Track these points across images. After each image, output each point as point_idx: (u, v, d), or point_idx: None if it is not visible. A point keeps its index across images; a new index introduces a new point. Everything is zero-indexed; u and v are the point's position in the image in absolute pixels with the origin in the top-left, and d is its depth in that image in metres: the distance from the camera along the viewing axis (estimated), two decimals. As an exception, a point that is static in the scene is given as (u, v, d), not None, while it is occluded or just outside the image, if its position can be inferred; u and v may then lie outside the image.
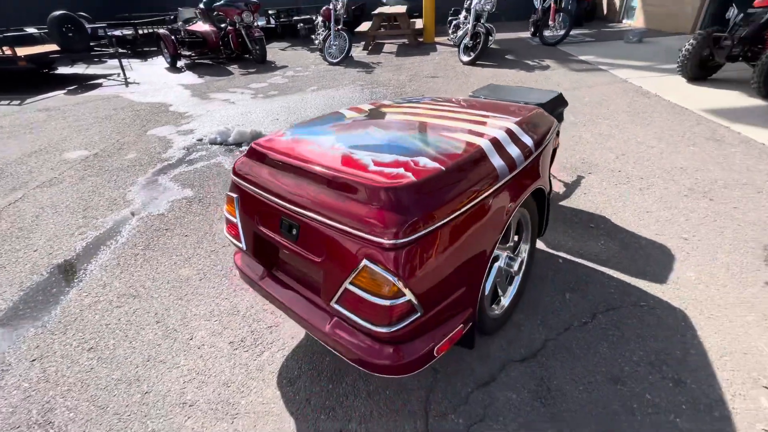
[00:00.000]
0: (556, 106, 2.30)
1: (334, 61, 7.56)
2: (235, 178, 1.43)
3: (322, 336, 1.25)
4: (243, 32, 7.64)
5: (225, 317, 1.89)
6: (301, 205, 1.19)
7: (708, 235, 2.21)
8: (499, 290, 1.68)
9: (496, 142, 1.36)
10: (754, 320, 1.67)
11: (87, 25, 7.22)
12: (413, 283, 1.04)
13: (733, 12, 4.35)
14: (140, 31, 9.66)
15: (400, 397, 1.47)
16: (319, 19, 8.34)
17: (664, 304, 1.78)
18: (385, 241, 1.01)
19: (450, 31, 8.55)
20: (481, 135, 1.39)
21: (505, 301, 1.70)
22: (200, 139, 4.19)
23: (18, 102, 5.94)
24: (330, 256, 1.14)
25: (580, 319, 1.74)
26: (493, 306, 1.66)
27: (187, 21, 8.46)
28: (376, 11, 8.93)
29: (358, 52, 8.58)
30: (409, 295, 1.04)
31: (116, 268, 2.29)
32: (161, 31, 7.95)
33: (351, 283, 1.09)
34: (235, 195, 1.45)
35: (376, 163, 1.18)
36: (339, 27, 7.49)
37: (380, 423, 1.39)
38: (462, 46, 6.95)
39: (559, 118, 2.37)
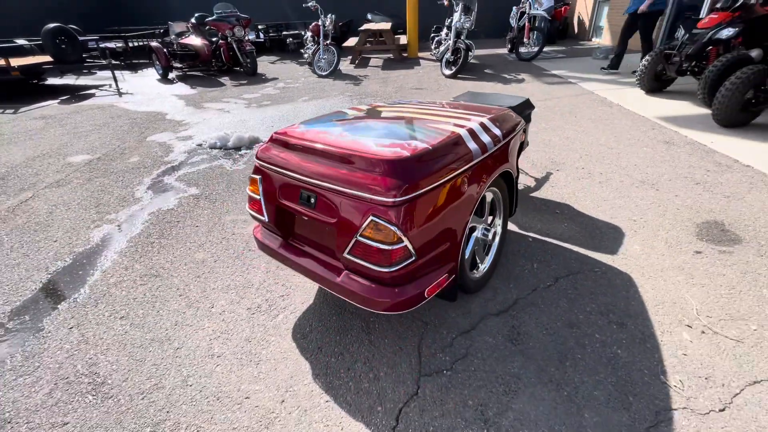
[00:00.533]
0: (524, 108, 2.68)
1: (323, 73, 7.94)
2: (259, 162, 1.73)
3: (334, 287, 1.55)
4: (234, 46, 7.97)
5: (241, 290, 2.15)
6: (318, 178, 1.49)
7: (652, 217, 2.61)
8: (477, 258, 2.01)
9: (471, 131, 1.71)
10: (683, 279, 2.04)
11: (79, 38, 7.42)
12: (408, 232, 1.36)
13: (680, 32, 4.92)
14: (130, 44, 9.87)
15: (397, 343, 1.76)
16: (308, 34, 8.74)
17: (613, 269, 2.14)
18: (388, 200, 1.33)
19: (433, 47, 9.09)
20: (460, 126, 1.73)
21: (483, 267, 2.03)
22: (200, 144, 4.44)
23: (12, 111, 6.06)
24: (343, 217, 1.45)
25: (545, 283, 2.08)
26: (474, 271, 1.99)
27: (179, 35, 8.72)
28: (362, 27, 9.42)
29: (345, 65, 9.00)
30: (405, 242, 1.36)
31: (135, 254, 2.52)
32: (153, 44, 8.20)
33: (361, 235, 1.40)
34: (258, 176, 1.74)
35: (378, 144, 1.50)
36: (327, 42, 7.89)
37: (382, 362, 1.68)
38: (444, 60, 7.44)
39: (527, 119, 2.75)
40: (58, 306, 2.09)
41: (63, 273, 2.36)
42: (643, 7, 5.95)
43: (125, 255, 2.51)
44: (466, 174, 1.59)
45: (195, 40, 8.16)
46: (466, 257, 1.84)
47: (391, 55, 9.72)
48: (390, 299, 1.44)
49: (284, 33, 11.79)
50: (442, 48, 7.84)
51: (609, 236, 2.43)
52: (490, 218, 2.04)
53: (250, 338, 1.84)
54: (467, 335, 1.79)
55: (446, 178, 1.48)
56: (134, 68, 9.71)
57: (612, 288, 2.01)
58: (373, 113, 2.02)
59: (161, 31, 10.00)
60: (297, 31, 11.77)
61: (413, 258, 1.41)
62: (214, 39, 8.24)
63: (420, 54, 9.82)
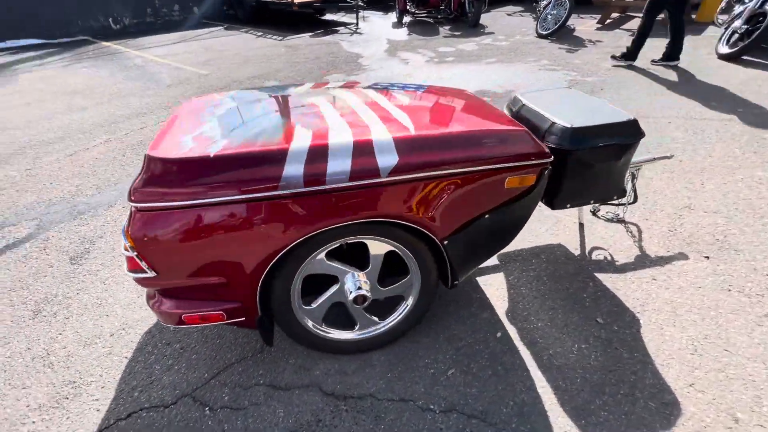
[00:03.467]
0: (611, 133, 1.57)
1: (544, 32, 6.64)
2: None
3: None
4: (464, -7, 7.57)
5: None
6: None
7: None
8: (355, 316, 1.50)
9: (317, 150, 1.17)
10: None
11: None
12: (139, 243, 1.15)
13: None
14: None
15: (214, 353, 1.61)
16: (553, -19, 7.29)
17: None
18: (131, 203, 1.15)
19: (720, 9, 6.04)
20: (337, 136, 1.21)
21: (359, 331, 1.51)
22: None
23: (279, 38, 7.97)
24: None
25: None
26: (330, 330, 1.51)
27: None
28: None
29: (587, 25, 7.19)
30: (131, 251, 1.17)
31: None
32: (397, -13, 8.74)
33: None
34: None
35: (194, 139, 1.26)
36: (564, -8, 6.40)
37: (179, 372, 1.60)
38: (728, 31, 4.87)
39: (618, 155, 1.61)
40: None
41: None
42: None
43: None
44: (265, 203, 1.15)
45: (430, -15, 8.19)
46: (294, 305, 1.39)
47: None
48: (152, 305, 1.32)
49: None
50: (736, 10, 5.05)
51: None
52: (359, 275, 1.43)
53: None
54: (275, 392, 1.45)
55: (217, 200, 1.13)
56: (387, 9, 10.75)
57: None
58: (306, 96, 1.64)
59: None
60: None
61: (150, 274, 1.20)
62: (448, -15, 8.05)
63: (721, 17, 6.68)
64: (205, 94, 1.79)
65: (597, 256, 2.00)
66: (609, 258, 1.98)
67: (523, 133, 1.40)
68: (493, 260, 2.02)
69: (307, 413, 1.38)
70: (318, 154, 1.18)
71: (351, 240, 1.31)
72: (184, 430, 1.35)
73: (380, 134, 1.25)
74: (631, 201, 2.14)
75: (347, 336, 1.52)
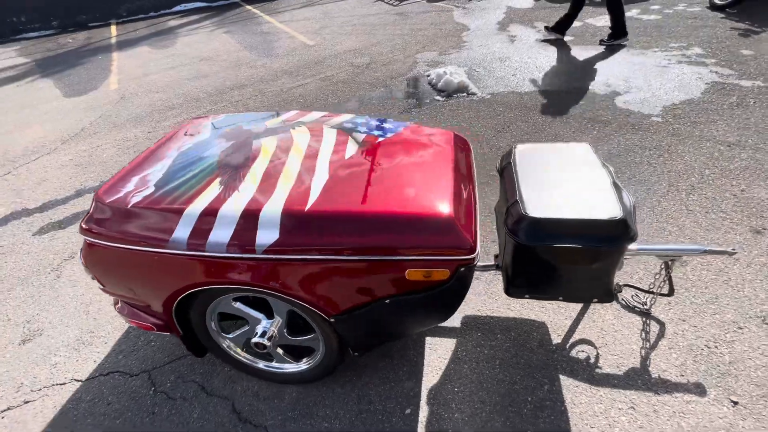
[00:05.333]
0: (571, 235, 1.22)
1: (721, 1, 5.04)
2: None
3: None
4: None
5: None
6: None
7: None
8: (270, 352, 1.60)
9: (207, 214, 1.23)
10: None
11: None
12: (86, 262, 1.43)
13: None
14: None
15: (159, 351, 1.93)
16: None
17: None
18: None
19: None
20: (237, 202, 1.26)
21: (263, 365, 1.63)
22: (428, 75, 4.47)
23: (395, 3, 7.76)
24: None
25: None
26: (249, 357, 1.65)
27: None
28: None
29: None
30: (84, 268, 1.46)
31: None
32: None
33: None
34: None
35: (137, 182, 1.45)
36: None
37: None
38: None
39: (591, 259, 1.26)
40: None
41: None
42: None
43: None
44: (158, 255, 1.28)
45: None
46: (211, 333, 1.56)
47: None
48: (114, 307, 1.65)
49: None
50: None
51: None
52: (266, 323, 1.48)
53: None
54: (204, 393, 1.70)
55: (126, 246, 1.31)
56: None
57: None
58: (262, 135, 1.67)
59: None
60: None
61: (101, 286, 1.49)
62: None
63: None
64: (198, 117, 1.97)
65: (579, 352, 1.65)
66: (592, 360, 1.62)
67: (445, 222, 1.21)
68: (454, 321, 1.85)
69: (212, 423, 1.59)
70: (206, 220, 1.24)
71: (251, 294, 1.39)
72: (130, 401, 1.71)
73: (273, 205, 1.24)
74: (665, 293, 1.67)
75: (261, 366, 1.64)
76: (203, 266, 1.26)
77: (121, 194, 1.37)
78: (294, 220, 1.21)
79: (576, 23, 5.41)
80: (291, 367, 1.62)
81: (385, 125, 1.71)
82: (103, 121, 4.48)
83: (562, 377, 1.57)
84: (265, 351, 1.50)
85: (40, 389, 1.79)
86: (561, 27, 4.87)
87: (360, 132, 1.65)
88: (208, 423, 1.59)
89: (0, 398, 1.77)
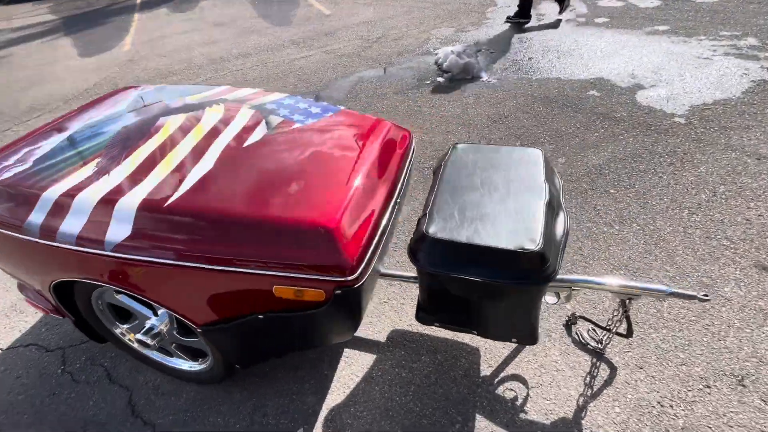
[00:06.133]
0: (472, 264, 0.99)
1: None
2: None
3: None
4: None
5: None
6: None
7: None
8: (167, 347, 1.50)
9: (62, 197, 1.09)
10: None
11: None
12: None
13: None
14: None
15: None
16: None
17: None
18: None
19: None
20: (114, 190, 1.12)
21: (160, 358, 1.53)
22: (436, 53, 4.12)
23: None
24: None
25: None
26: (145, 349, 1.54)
27: None
28: None
29: None
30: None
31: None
32: None
33: None
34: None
35: (19, 158, 1.33)
36: None
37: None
38: None
39: (494, 294, 1.03)
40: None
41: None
42: None
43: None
44: (18, 240, 1.17)
45: None
46: (104, 322, 1.47)
47: None
48: (17, 287, 1.59)
49: None
50: None
51: None
52: (156, 320, 1.36)
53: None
54: (106, 380, 1.63)
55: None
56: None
57: None
58: (181, 110, 1.50)
59: None
60: None
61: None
62: None
63: None
64: (129, 87, 1.82)
65: (507, 390, 1.43)
66: (519, 401, 1.39)
67: (321, 235, 1.01)
68: (380, 334, 1.66)
69: (105, 413, 1.52)
70: (60, 207, 1.11)
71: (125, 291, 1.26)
72: (37, 378, 1.67)
73: (134, 196, 1.09)
74: (624, 333, 1.41)
75: (158, 359, 1.54)
76: (57, 257, 1.14)
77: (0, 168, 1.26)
78: (150, 216, 1.05)
79: (618, 3, 4.81)
80: (187, 366, 1.51)
81: (312, 109, 1.50)
82: (106, 83, 4.49)
83: (478, 417, 1.37)
84: (150, 347, 1.39)
85: (-39, 353, 1.80)
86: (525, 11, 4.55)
87: (278, 115, 1.45)
88: (101, 412, 1.53)
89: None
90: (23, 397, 1.61)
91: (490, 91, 3.36)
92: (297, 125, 1.38)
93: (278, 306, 1.10)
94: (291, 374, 1.56)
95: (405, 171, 1.39)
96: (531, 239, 0.99)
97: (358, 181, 1.17)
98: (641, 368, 1.44)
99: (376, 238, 1.12)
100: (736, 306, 1.59)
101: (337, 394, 1.49)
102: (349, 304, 1.08)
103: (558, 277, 1.25)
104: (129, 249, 1.05)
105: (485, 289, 1.02)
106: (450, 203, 1.12)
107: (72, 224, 1.09)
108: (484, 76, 3.60)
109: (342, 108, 1.54)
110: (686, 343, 1.49)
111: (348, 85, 3.77)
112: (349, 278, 1.01)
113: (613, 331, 1.40)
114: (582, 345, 1.53)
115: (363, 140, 1.34)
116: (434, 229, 1.05)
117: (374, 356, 1.59)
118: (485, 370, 1.50)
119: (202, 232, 1.03)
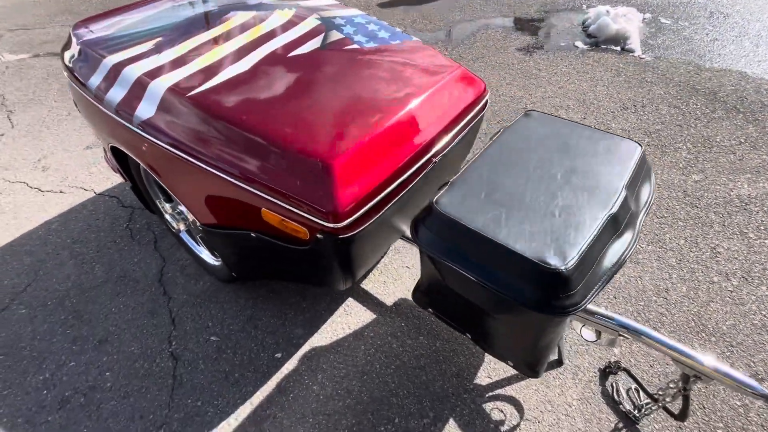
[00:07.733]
0: (477, 266, 0.78)
1: None
2: None
3: None
4: None
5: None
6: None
7: None
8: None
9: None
10: None
11: None
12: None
13: None
14: None
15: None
16: None
17: None
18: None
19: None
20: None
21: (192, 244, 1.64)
22: (587, 12, 3.41)
23: None
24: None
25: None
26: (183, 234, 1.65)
27: None
28: None
29: None
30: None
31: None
32: None
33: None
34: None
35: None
36: None
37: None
38: None
39: (501, 308, 0.82)
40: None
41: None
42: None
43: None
44: (85, 97, 1.27)
45: None
46: (150, 193, 1.61)
47: None
48: None
49: None
50: None
51: None
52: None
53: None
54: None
55: (75, 84, 1.32)
56: None
57: None
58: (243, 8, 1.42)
59: None
60: None
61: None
62: None
63: None
64: None
65: (496, 409, 1.22)
66: (504, 428, 1.18)
67: (314, 167, 0.89)
68: (389, 297, 1.54)
69: (140, 272, 1.72)
70: (112, 75, 1.15)
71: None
72: (110, 224, 1.95)
73: (166, 80, 1.08)
74: (674, 413, 1.09)
75: (188, 243, 1.65)
76: (104, 120, 1.22)
77: (85, 30, 1.37)
78: (171, 102, 1.04)
79: None
80: (207, 257, 1.60)
81: (381, 33, 1.31)
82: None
83: (451, 422, 1.21)
84: (178, 230, 1.48)
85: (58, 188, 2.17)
86: None
87: (341, 32, 1.29)
88: (138, 270, 1.73)
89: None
90: (95, 236, 1.91)
91: (638, 70, 2.69)
92: (354, 46, 1.22)
93: (268, 230, 1.04)
94: (293, 299, 1.56)
95: (460, 129, 1.16)
96: (561, 253, 0.73)
97: (391, 124, 0.99)
98: (679, 461, 1.10)
99: (386, 193, 0.96)
100: None
101: (324, 336, 1.45)
102: (333, 254, 0.97)
103: (602, 313, 0.97)
104: (149, 128, 1.07)
105: (484, 294, 0.81)
106: (482, 178, 0.89)
107: (116, 93, 1.14)
108: (638, 50, 2.88)
109: (415, 39, 1.31)
110: (761, 458, 1.09)
111: (470, 30, 3.37)
112: (334, 225, 0.89)
113: (661, 403, 1.08)
114: (613, 401, 1.23)
115: (421, 80, 1.13)
116: (446, 202, 0.84)
117: (374, 316, 1.50)
118: (481, 378, 1.30)
119: (208, 131, 0.99)
